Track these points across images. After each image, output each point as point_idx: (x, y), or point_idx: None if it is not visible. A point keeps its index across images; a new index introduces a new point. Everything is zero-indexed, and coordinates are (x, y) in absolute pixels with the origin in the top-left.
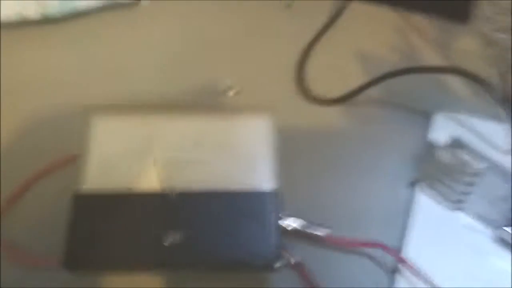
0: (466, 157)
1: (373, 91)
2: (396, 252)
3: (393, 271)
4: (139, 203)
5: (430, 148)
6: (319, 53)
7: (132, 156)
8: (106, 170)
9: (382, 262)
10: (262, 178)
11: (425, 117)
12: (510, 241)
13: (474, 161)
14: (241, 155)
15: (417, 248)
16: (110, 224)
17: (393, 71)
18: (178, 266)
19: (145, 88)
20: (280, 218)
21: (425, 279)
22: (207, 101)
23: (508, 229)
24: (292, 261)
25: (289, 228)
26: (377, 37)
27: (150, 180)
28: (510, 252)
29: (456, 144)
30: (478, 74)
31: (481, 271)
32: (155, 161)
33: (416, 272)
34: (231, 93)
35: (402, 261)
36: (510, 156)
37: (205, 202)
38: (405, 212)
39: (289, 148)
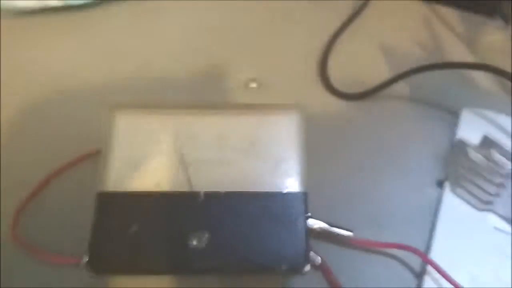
0: (497, 156)
1: (398, 87)
2: (423, 253)
3: (420, 273)
4: (164, 204)
5: (458, 146)
6: (343, 46)
7: (157, 154)
8: (130, 169)
9: (408, 263)
10: (290, 178)
11: (452, 114)
12: None
13: (506, 161)
14: (268, 154)
15: (444, 249)
16: (134, 225)
17: (419, 66)
18: (203, 269)
19: (165, 79)
20: (307, 220)
21: (453, 281)
22: (228, 94)
23: None
24: (318, 262)
25: (314, 229)
26: (403, 30)
27: (175, 180)
28: None
29: (487, 143)
30: (507, 70)
31: (508, 274)
32: (181, 160)
33: (444, 274)
34: (253, 86)
35: (429, 262)
36: None
37: (231, 203)
38: (432, 212)
39: (311, 144)
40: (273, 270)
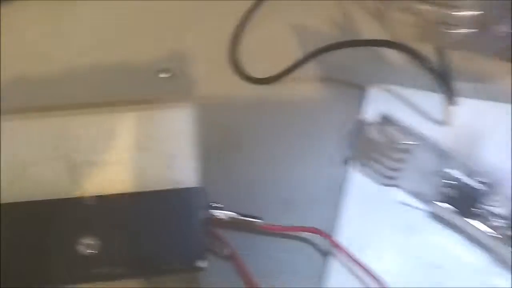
0: (394, 133)
1: (309, 67)
2: (327, 234)
3: (326, 254)
4: (52, 212)
5: (360, 124)
6: (253, 29)
7: (42, 160)
8: (15, 178)
9: (317, 245)
10: (184, 174)
11: (361, 92)
12: (442, 216)
13: (403, 136)
14: (160, 150)
15: (350, 227)
16: (23, 236)
17: (326, 45)
18: (96, 276)
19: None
20: (206, 214)
21: (358, 261)
22: (140, 86)
23: (439, 203)
24: (226, 252)
25: (222, 219)
26: (314, 10)
27: (63, 186)
28: (444, 227)
29: (385, 119)
30: (412, 48)
31: (414, 247)
32: (68, 164)
33: (348, 254)
34: (164, 75)
35: (333, 243)
36: (443, 128)
37: (123, 205)
38: (340, 192)
39: (221, 131)
40: (168, 269)
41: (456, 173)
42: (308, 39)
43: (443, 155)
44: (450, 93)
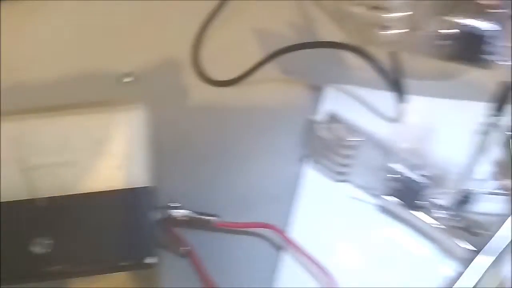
0: (341, 131)
1: (270, 68)
2: (280, 230)
3: (280, 249)
4: (6, 214)
5: (311, 123)
6: (215, 32)
7: None
8: None
9: (271, 241)
10: (136, 174)
11: (318, 92)
12: (390, 209)
13: (349, 134)
14: (113, 152)
15: (304, 222)
16: None
17: (284, 47)
18: (47, 274)
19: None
20: (157, 213)
21: (309, 256)
22: (103, 91)
23: (386, 197)
24: (183, 250)
25: (179, 218)
26: (276, 12)
27: (17, 188)
28: (392, 220)
29: (332, 118)
30: (360, 48)
31: (364, 240)
32: (23, 168)
33: (298, 248)
34: (127, 80)
35: (285, 238)
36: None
37: (74, 205)
38: (295, 188)
39: (182, 133)
40: (118, 267)
41: (399, 167)
42: (269, 41)
43: (387, 150)
44: (400, 92)
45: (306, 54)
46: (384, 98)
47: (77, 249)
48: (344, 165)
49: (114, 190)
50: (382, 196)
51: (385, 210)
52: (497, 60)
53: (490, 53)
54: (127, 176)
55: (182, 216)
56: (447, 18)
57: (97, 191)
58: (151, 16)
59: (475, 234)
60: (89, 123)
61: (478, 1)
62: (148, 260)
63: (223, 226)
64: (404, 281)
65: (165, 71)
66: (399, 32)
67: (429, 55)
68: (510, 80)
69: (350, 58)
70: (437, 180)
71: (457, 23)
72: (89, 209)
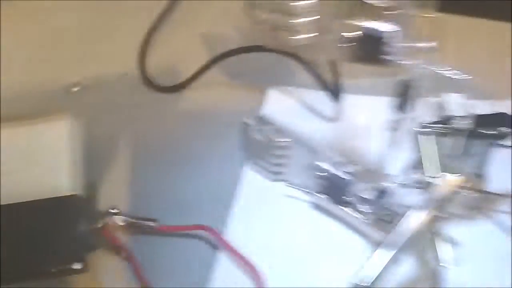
0: (270, 132)
1: (215, 72)
2: (215, 231)
3: (216, 250)
4: None
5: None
6: (162, 38)
7: None
8: None
9: (208, 243)
10: (63, 183)
11: (262, 94)
12: (322, 206)
13: (278, 135)
14: (44, 162)
15: (242, 223)
16: None
17: (226, 51)
18: None
19: None
20: (86, 220)
21: (240, 255)
22: (51, 100)
23: (317, 194)
24: (123, 255)
25: (119, 224)
26: (222, 18)
27: None
28: (324, 216)
29: (262, 120)
30: (292, 52)
31: (299, 237)
32: None
33: (232, 249)
34: (75, 89)
35: (220, 239)
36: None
37: (4, 215)
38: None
39: (128, 140)
40: (47, 273)
41: (326, 165)
42: (216, 46)
43: (315, 149)
44: (335, 92)
45: (250, 58)
46: (323, 99)
47: (7, 257)
48: (278, 165)
49: (42, 199)
50: (313, 193)
51: (317, 207)
52: (397, 60)
53: (390, 53)
54: (55, 186)
55: (122, 222)
56: (349, 21)
57: (27, 200)
58: (98, 26)
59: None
60: (19, 135)
61: (376, 4)
62: (76, 266)
63: (162, 230)
64: (335, 275)
65: (113, 79)
66: (308, 37)
67: (337, 58)
68: (409, 78)
69: (292, 61)
70: (361, 176)
71: (359, 26)
72: (19, 218)
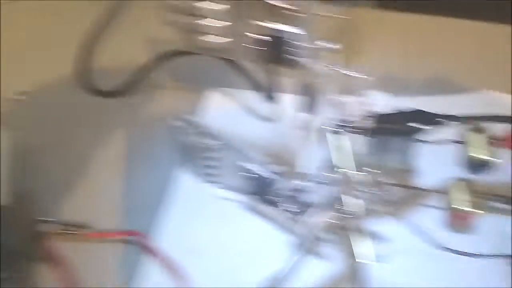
0: (199, 135)
1: (158, 77)
2: (143, 235)
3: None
4: None
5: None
6: (103, 46)
7: None
8: None
9: (139, 247)
10: None
11: (202, 96)
12: (252, 206)
13: (207, 138)
14: None
15: (176, 226)
16: None
17: (161, 55)
18: None
19: None
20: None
21: (165, 259)
22: None
23: (246, 195)
24: (55, 261)
25: (50, 231)
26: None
27: None
28: (254, 216)
29: (191, 123)
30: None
31: (230, 237)
32: None
33: (158, 253)
34: (21, 98)
35: (147, 244)
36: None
37: None
38: (169, 193)
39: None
40: None
41: (251, 166)
42: (160, 49)
43: (241, 151)
44: (269, 93)
45: (192, 61)
46: (260, 100)
47: None
48: (210, 167)
49: None
50: (243, 194)
51: (248, 207)
52: (302, 61)
53: (295, 55)
54: None
55: (54, 229)
56: (259, 24)
57: None
58: (40, 35)
59: None
60: None
61: (282, 7)
62: (3, 275)
63: (94, 236)
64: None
65: (56, 87)
66: (221, 39)
67: (248, 60)
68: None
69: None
70: (283, 175)
71: (266, 28)
72: None
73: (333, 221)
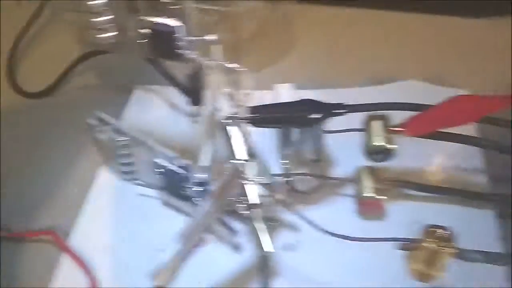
0: (111, 132)
1: (84, 76)
2: (57, 235)
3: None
4: None
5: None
6: (31, 45)
7: None
8: None
9: (55, 246)
10: None
11: (128, 93)
12: (166, 201)
13: (118, 135)
14: None
15: (93, 224)
16: None
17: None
18: None
19: None
20: None
21: (78, 258)
22: None
23: (160, 191)
24: None
25: None
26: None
27: None
28: (171, 211)
29: (101, 121)
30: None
31: (148, 234)
32: None
33: (71, 252)
34: None
35: (61, 243)
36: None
37: None
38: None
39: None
40: None
41: (163, 161)
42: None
43: (152, 147)
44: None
45: (118, 59)
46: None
47: None
48: (127, 165)
49: None
50: (158, 190)
51: (166, 204)
52: (187, 54)
53: (180, 48)
54: None
55: None
56: (142, 18)
57: None
58: None
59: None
60: None
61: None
62: None
63: (9, 236)
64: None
65: None
66: (111, 35)
67: (137, 55)
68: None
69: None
70: (191, 169)
71: (150, 22)
72: None
73: (237, 211)
